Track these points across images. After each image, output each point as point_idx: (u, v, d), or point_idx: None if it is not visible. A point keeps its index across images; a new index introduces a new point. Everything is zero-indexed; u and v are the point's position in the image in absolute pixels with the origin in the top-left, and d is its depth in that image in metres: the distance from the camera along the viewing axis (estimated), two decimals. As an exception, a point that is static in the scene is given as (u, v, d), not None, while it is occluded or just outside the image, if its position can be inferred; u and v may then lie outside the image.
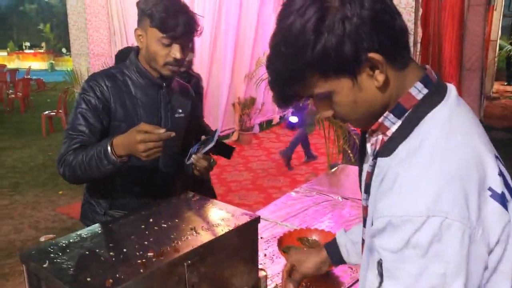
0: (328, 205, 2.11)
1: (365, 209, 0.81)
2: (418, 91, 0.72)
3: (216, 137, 1.57)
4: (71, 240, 1.15)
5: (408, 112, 0.72)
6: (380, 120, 0.75)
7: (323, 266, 1.22)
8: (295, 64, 0.69)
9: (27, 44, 31.61)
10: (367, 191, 0.77)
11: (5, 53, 28.11)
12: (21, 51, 29.19)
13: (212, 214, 1.32)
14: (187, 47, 1.50)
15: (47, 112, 8.10)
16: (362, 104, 0.73)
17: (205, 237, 1.16)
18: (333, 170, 2.78)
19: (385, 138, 0.75)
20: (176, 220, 1.27)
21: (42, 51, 28.96)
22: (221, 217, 1.30)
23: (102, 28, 5.07)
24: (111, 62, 5.04)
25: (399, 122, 0.73)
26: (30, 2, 30.76)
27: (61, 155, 1.43)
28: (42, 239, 3.67)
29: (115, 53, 5.15)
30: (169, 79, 1.56)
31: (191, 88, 1.77)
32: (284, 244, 1.56)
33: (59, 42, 29.95)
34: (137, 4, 1.49)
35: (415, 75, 0.74)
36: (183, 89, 1.70)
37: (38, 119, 8.33)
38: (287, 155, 5.55)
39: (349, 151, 3.86)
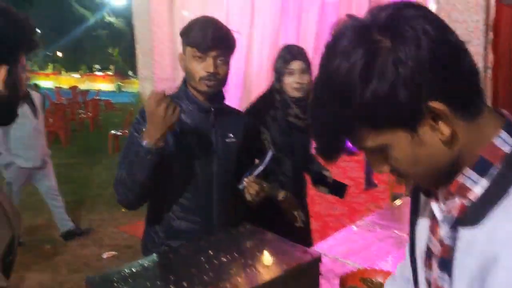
0: (393, 242, 1.99)
1: None
2: (503, 141, 0.61)
3: (268, 160, 1.56)
4: (133, 269, 1.17)
5: (496, 168, 0.60)
6: (459, 180, 0.63)
7: None
8: (341, 114, 0.60)
9: (97, 66, 33.93)
10: (446, 269, 0.64)
11: (78, 75, 30.29)
12: (91, 73, 31.37)
13: (272, 250, 1.29)
14: (223, 61, 1.51)
15: (113, 131, 8.55)
16: (424, 160, 0.62)
17: (265, 275, 1.13)
18: (397, 202, 2.65)
19: (466, 202, 0.62)
20: (235, 254, 1.25)
21: (110, 73, 30.94)
22: (280, 253, 1.26)
23: (166, 53, 5.29)
24: (175, 86, 5.23)
25: (484, 181, 0.60)
26: (102, 28, 33.09)
27: (116, 176, 1.48)
28: (105, 255, 3.83)
29: (178, 78, 5.35)
30: (218, 103, 1.59)
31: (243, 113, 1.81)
32: (347, 285, 1.48)
33: (125, 65, 31.83)
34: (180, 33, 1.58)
35: (492, 122, 0.63)
36: (234, 114, 1.72)
37: (105, 137, 8.81)
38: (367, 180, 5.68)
39: (413, 181, 3.67)
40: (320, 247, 1.90)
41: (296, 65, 1.97)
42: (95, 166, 7.34)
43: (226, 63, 1.54)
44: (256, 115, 1.94)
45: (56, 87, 18.71)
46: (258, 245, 1.32)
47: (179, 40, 1.62)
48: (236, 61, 5.62)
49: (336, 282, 1.55)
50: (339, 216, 4.71)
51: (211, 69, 1.48)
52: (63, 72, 32.43)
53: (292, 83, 1.97)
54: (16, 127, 3.35)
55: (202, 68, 1.48)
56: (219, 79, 1.52)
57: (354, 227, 2.18)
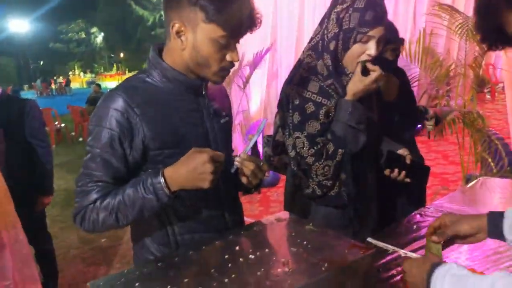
0: (467, 229, 1.66)
1: None
2: None
3: (262, 129, 1.23)
4: (144, 270, 0.99)
5: None
6: None
7: (480, 233, 1.06)
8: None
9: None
10: None
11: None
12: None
13: (311, 243, 1.04)
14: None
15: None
16: None
17: (300, 276, 0.90)
18: (470, 184, 2.27)
19: None
20: (266, 250, 1.02)
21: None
22: (322, 248, 1.01)
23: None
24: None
25: None
26: (160, 27, 34.14)
27: (79, 208, 1.12)
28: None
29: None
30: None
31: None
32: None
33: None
34: None
35: None
36: (219, 86, 1.34)
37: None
38: None
39: (490, 160, 3.22)
40: (377, 237, 1.62)
41: (378, 32, 1.36)
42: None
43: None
44: (303, 86, 1.47)
45: (119, 86, 19.53)
46: (294, 237, 1.08)
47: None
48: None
49: (398, 278, 1.29)
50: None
51: (237, 58, 1.13)
52: (127, 72, 33.97)
53: (362, 56, 1.39)
54: None
55: (224, 56, 1.11)
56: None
57: (418, 215, 1.86)
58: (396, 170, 1.58)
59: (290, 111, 1.48)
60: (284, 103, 1.51)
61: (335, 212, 1.54)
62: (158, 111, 1.13)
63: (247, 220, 1.49)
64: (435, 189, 4.46)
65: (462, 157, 3.53)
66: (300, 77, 1.48)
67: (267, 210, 4.34)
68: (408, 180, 1.60)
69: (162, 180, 1.05)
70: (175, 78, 1.16)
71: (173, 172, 1.06)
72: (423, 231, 1.69)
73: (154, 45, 1.20)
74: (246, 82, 5.01)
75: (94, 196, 1.09)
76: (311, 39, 1.50)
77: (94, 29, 42.32)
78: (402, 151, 1.65)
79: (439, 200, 2.04)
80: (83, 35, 42.55)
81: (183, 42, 1.11)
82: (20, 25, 38.09)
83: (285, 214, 1.25)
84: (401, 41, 2.15)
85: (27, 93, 29.64)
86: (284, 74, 4.82)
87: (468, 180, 3.18)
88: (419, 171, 1.55)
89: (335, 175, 1.47)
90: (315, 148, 1.45)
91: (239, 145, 4.98)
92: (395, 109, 1.99)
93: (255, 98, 5.34)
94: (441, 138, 3.90)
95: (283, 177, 1.79)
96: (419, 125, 2.39)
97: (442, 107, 3.96)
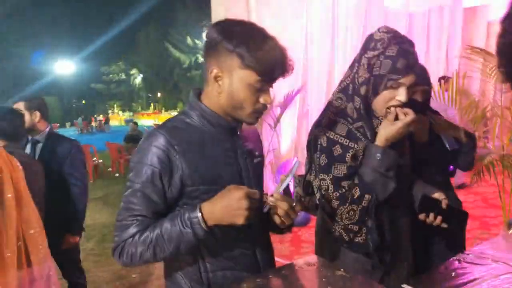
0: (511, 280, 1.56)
1: None
2: None
3: (294, 170, 1.21)
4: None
5: None
6: None
7: None
8: None
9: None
10: None
11: (176, 113, 32.70)
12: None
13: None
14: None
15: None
16: None
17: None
18: (513, 229, 2.16)
19: None
20: (295, 295, 1.00)
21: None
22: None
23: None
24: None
25: None
26: (196, 69, 35.45)
27: (118, 242, 1.16)
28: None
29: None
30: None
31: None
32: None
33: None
34: (210, 34, 1.17)
35: None
36: (252, 127, 1.38)
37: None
38: None
39: (533, 204, 3.05)
40: (412, 283, 1.54)
41: (409, 80, 1.35)
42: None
43: None
44: (331, 128, 1.46)
45: (155, 124, 20.21)
46: (324, 284, 1.05)
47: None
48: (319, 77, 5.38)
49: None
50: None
51: (270, 101, 1.19)
52: (163, 111, 35.12)
53: (392, 101, 1.39)
54: None
55: (258, 98, 1.17)
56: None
57: (456, 261, 1.77)
58: (432, 215, 1.53)
59: (317, 152, 1.48)
60: (312, 145, 1.50)
61: (365, 257, 1.49)
62: (196, 150, 1.18)
63: (278, 260, 1.47)
64: (475, 234, 4.25)
65: (503, 200, 3.37)
66: (328, 119, 1.48)
67: (298, 250, 4.25)
68: (445, 225, 1.54)
69: (199, 214, 1.09)
70: (212, 119, 1.22)
71: (210, 207, 1.10)
72: (462, 279, 1.60)
73: (194, 89, 1.28)
74: (277, 121, 5.07)
75: (133, 230, 1.13)
76: (341, 82, 1.52)
77: (133, 71, 44.40)
78: (438, 195, 1.60)
79: (480, 246, 1.93)
80: (123, 76, 44.62)
81: (220, 86, 1.17)
82: (66, 67, 40.47)
83: (314, 258, 1.22)
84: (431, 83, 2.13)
85: (68, 130, 31.07)
86: (314, 114, 4.85)
87: (510, 225, 3.02)
88: (457, 215, 1.47)
89: (361, 220, 1.43)
90: (340, 191, 1.42)
91: (269, 183, 4.98)
92: (427, 151, 1.95)
93: (285, 137, 5.38)
94: (480, 180, 3.76)
95: (314, 217, 1.76)
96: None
97: (480, 149, 3.83)
